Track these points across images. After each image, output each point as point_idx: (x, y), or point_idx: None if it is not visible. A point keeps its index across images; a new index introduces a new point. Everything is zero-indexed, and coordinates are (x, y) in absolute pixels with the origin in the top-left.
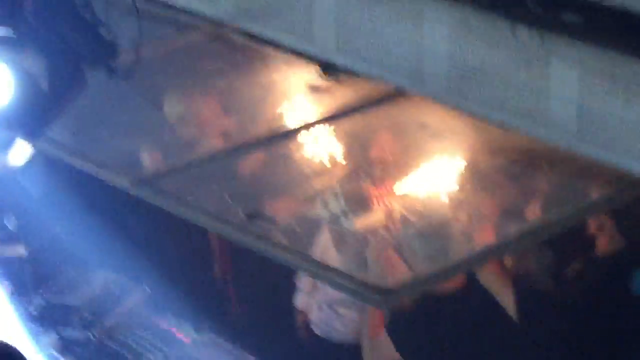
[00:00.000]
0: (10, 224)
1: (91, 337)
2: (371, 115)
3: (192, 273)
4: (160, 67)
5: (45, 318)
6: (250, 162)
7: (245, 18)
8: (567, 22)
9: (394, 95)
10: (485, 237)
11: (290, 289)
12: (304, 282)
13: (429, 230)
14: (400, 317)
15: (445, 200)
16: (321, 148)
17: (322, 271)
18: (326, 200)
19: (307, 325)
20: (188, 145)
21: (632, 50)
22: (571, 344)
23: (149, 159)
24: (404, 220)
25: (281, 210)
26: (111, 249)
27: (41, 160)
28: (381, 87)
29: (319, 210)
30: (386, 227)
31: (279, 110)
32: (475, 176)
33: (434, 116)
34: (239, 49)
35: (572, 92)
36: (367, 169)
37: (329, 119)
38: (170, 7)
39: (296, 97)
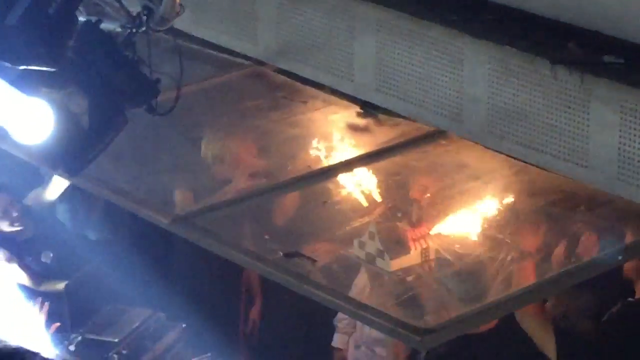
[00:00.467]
0: (47, 258)
1: None
2: (410, 155)
3: (230, 311)
4: (200, 105)
5: (83, 354)
6: (288, 201)
7: (285, 57)
8: (608, 64)
9: (433, 135)
10: (524, 279)
11: (328, 328)
12: (342, 321)
13: (467, 270)
14: (435, 357)
15: (483, 240)
16: (359, 187)
17: (361, 310)
18: (363, 240)
19: None
20: (226, 183)
21: None
22: None
23: (187, 197)
24: (442, 260)
25: (319, 250)
26: (149, 286)
27: (78, 196)
28: (420, 127)
29: (355, 250)
30: (423, 267)
31: (317, 149)
32: (514, 217)
33: (473, 157)
34: (278, 88)
35: (613, 133)
36: (404, 209)
37: (367, 159)
38: (212, 45)
39: (335, 136)
